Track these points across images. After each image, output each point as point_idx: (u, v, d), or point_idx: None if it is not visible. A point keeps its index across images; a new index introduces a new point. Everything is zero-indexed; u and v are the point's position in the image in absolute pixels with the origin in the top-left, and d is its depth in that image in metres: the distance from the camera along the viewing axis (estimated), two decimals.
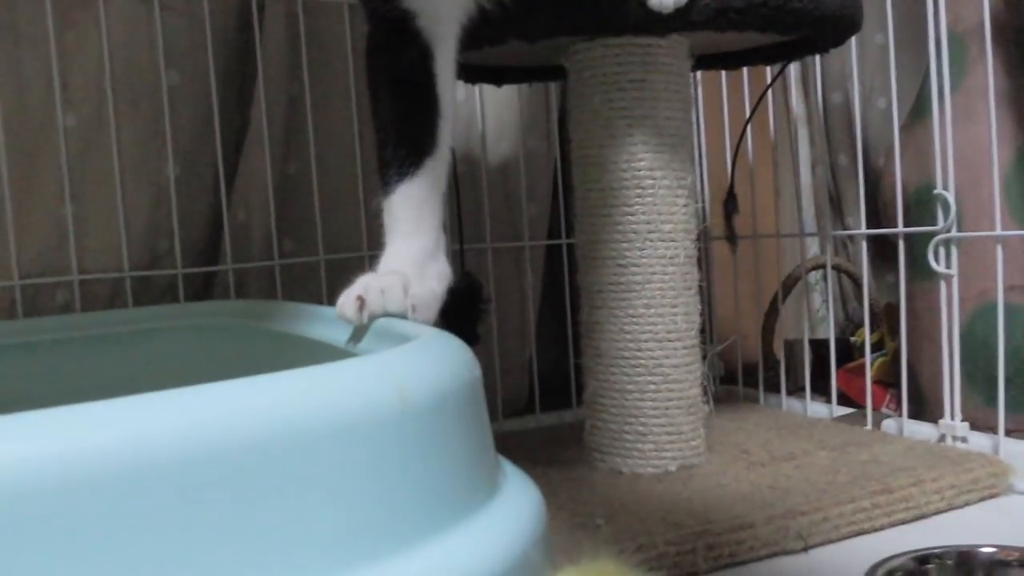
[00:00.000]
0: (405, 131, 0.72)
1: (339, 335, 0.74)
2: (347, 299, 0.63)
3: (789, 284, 1.42)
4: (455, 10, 0.75)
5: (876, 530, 0.88)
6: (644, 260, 1.00)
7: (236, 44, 1.20)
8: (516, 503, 0.44)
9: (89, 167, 1.09)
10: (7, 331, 0.99)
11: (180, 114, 1.14)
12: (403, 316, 0.62)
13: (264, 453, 0.35)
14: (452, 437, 0.41)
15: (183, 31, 1.15)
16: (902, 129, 1.18)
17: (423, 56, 0.74)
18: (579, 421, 1.24)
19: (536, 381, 1.34)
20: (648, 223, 1.00)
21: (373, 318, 0.62)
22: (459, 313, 1.07)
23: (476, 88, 1.29)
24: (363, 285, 0.63)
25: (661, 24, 0.91)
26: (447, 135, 0.75)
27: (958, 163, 1.06)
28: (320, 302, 1.20)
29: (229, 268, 1.16)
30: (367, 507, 0.37)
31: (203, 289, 1.18)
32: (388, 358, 0.41)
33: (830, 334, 1.28)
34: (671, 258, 1.00)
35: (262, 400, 0.37)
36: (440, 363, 0.43)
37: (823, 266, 1.45)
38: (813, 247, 1.61)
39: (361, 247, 1.23)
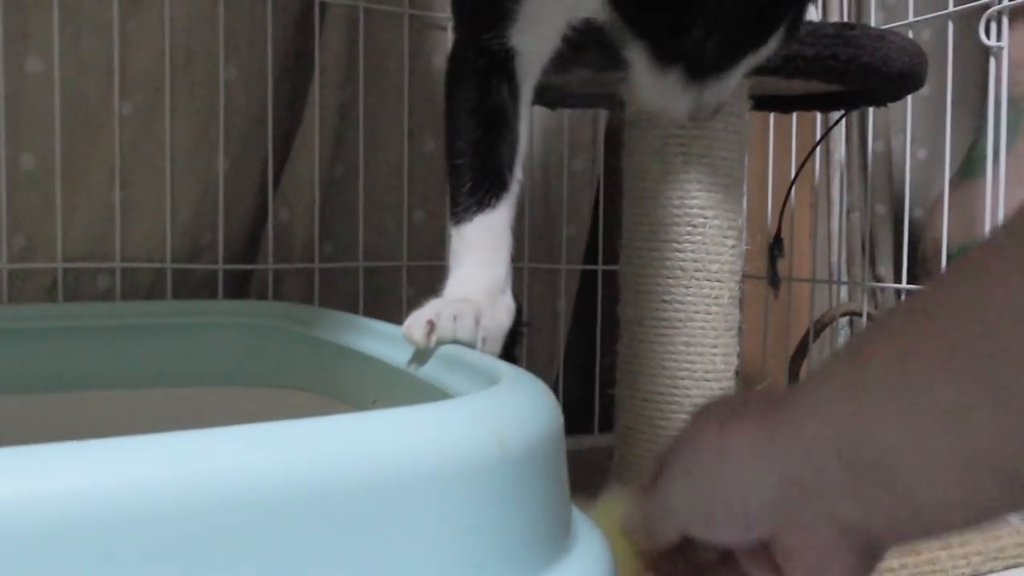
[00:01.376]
0: (489, 165, 0.72)
1: (388, 351, 0.73)
2: (417, 321, 0.62)
3: (820, 328, 1.42)
4: (549, 46, 0.75)
5: None
6: (689, 298, 1.00)
7: (294, 44, 1.20)
8: (590, 555, 0.44)
9: (140, 155, 1.10)
10: (47, 314, 0.99)
11: (234, 109, 1.14)
12: (470, 345, 0.62)
13: (361, 495, 0.35)
14: (542, 487, 0.41)
15: (244, 27, 1.15)
16: (949, 186, 1.18)
17: (515, 93, 0.73)
18: (600, 447, 1.24)
19: (561, 404, 1.34)
20: (696, 261, 1.00)
21: (440, 344, 0.62)
22: None
23: None
24: (435, 310, 0.63)
25: None
26: (521, 168, 0.75)
27: None
28: (355, 308, 1.20)
29: (270, 268, 1.16)
30: (460, 558, 0.37)
31: (240, 286, 1.18)
32: (486, 401, 0.41)
33: None
34: (715, 298, 1.00)
35: (361, 439, 0.37)
36: (533, 408, 0.43)
37: (855, 313, 1.45)
38: (841, 292, 1.61)
39: (401, 257, 1.23)
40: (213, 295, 1.13)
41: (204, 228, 1.14)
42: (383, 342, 0.77)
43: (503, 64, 0.72)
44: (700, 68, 0.67)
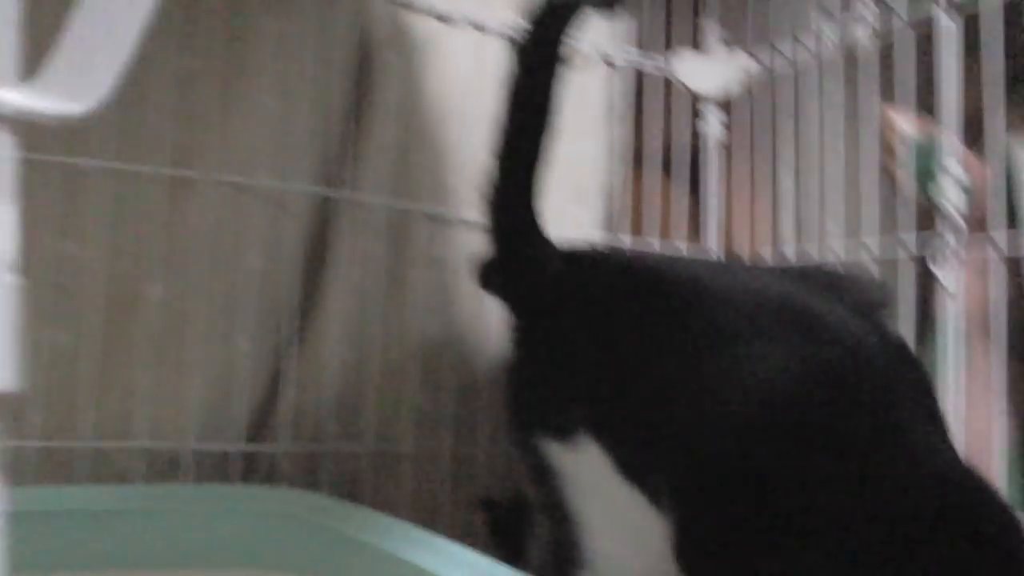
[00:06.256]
0: None
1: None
2: None
3: None
4: None
5: None
6: None
7: (312, 241, 1.27)
8: None
9: (168, 338, 1.13)
10: (73, 496, 0.99)
11: (256, 295, 1.19)
12: None
13: None
14: None
15: (268, 217, 1.22)
16: None
17: None
18: None
19: None
20: None
21: None
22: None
23: None
24: None
25: None
26: None
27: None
28: (356, 493, 1.22)
29: (278, 451, 1.18)
30: None
31: (247, 469, 1.19)
32: None
33: None
34: None
35: None
36: None
37: None
38: None
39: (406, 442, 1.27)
40: (225, 478, 1.14)
41: (219, 410, 1.16)
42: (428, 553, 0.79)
43: None
44: None
